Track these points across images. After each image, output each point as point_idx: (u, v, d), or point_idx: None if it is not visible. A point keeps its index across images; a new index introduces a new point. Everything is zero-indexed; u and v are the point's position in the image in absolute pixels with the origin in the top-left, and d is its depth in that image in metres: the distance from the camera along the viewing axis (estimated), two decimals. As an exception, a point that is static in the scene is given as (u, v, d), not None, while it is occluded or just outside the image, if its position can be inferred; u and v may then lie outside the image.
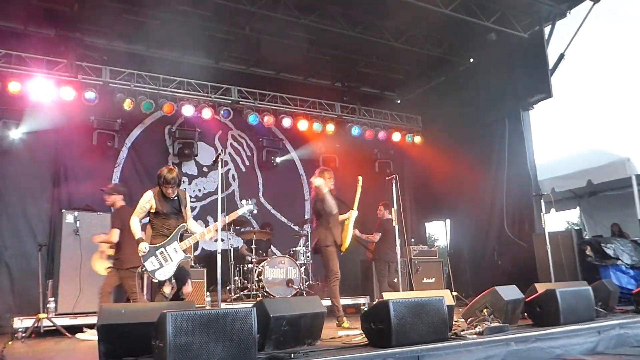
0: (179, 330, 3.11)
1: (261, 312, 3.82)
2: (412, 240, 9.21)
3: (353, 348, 4.07)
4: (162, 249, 5.02)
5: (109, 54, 8.69)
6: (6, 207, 7.63)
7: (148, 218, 5.21)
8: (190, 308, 3.77)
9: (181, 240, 5.12)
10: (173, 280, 5.18)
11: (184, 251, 5.11)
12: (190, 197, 8.99)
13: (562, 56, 8.61)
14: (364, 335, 4.31)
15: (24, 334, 5.82)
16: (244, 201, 5.78)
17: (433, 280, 8.86)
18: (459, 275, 9.80)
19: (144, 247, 4.95)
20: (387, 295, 4.29)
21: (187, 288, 5.22)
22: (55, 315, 6.29)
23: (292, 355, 3.48)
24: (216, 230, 5.18)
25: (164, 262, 5.00)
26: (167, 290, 5.12)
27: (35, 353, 4.71)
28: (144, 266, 4.95)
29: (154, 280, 5.14)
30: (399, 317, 3.92)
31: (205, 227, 8.96)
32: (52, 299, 6.42)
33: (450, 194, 10.33)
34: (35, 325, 5.94)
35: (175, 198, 5.22)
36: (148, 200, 5.10)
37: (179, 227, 5.15)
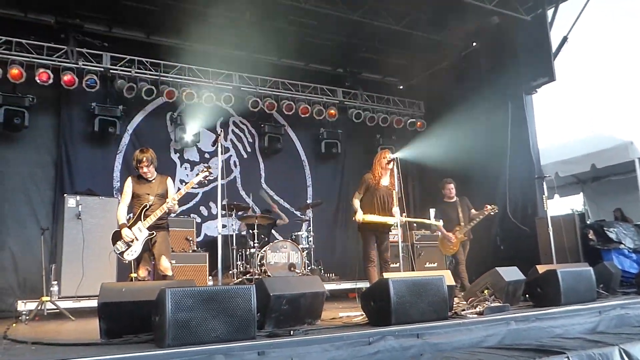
0: (179, 306, 3.14)
1: (261, 291, 3.83)
2: (415, 225, 9.20)
3: (353, 326, 4.10)
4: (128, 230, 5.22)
5: (110, 40, 8.65)
6: (8, 192, 7.68)
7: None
8: (191, 285, 3.79)
9: (145, 218, 5.23)
10: (148, 267, 5.31)
11: (148, 228, 5.21)
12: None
13: (565, 39, 8.50)
14: (364, 316, 4.33)
15: (27, 317, 5.87)
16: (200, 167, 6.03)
17: (435, 264, 8.87)
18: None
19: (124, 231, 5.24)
20: (387, 275, 4.30)
21: (162, 263, 5.24)
22: (59, 298, 6.34)
23: (292, 332, 3.49)
24: (173, 199, 5.26)
25: (131, 242, 5.19)
26: (142, 273, 5.25)
27: (38, 333, 4.75)
28: (115, 249, 5.20)
29: (124, 262, 5.26)
30: (399, 295, 3.93)
31: (208, 212, 9.16)
32: (55, 282, 6.45)
33: (453, 179, 10.28)
34: (39, 308, 5.98)
35: (153, 180, 5.33)
36: (128, 185, 5.33)
37: (141, 207, 5.25)
